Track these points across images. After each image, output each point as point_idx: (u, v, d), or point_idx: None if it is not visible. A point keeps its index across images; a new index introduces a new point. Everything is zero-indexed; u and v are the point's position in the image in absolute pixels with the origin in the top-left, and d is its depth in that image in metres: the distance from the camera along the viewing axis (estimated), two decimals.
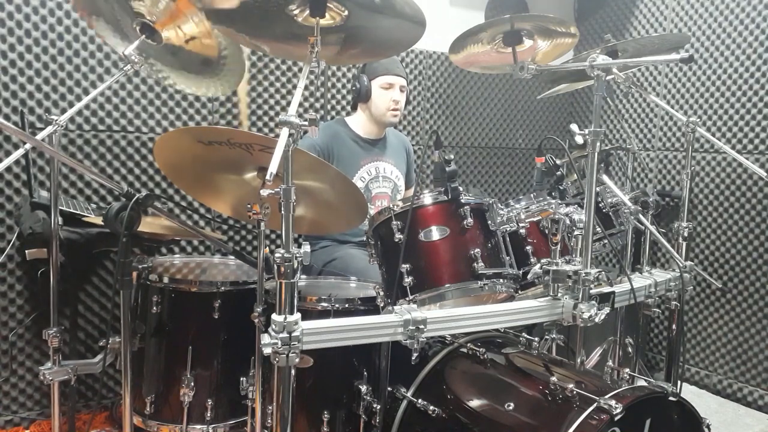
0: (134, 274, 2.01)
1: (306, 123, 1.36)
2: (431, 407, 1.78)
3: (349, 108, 3.06)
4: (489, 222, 1.81)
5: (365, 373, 1.86)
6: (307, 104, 3.02)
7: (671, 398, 1.58)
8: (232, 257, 2.37)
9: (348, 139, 2.64)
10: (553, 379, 1.61)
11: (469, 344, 1.93)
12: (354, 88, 2.64)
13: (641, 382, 1.71)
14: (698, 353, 3.22)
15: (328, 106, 3.07)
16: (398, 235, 1.74)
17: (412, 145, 3.01)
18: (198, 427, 2.00)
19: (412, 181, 2.85)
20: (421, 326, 1.55)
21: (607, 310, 1.69)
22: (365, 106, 2.64)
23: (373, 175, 2.67)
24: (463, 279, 1.72)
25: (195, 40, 1.93)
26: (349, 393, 1.86)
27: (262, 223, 1.75)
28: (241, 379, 1.92)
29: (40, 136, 1.70)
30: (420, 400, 1.82)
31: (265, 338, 1.38)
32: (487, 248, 1.77)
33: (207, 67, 2.04)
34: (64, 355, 2.03)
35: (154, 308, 2.02)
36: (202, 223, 2.78)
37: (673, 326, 2.23)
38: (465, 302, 1.78)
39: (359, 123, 2.68)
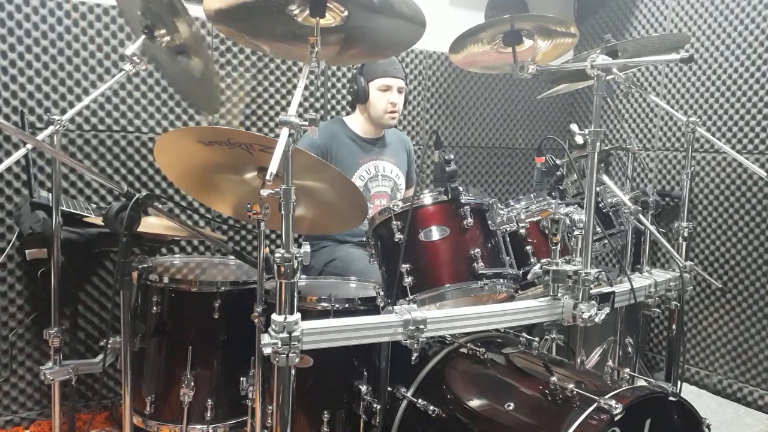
0: (134, 274, 2.01)
1: (306, 123, 1.36)
2: (431, 407, 1.78)
3: (348, 108, 3.06)
4: (489, 222, 1.81)
5: (365, 373, 1.86)
6: (307, 104, 3.02)
7: (671, 398, 1.58)
8: (232, 257, 2.37)
9: (346, 139, 2.64)
10: (553, 379, 1.61)
11: (469, 344, 1.93)
12: (351, 89, 2.63)
13: (641, 382, 1.71)
14: (698, 353, 3.22)
15: (328, 106, 3.07)
16: (398, 235, 1.74)
17: (412, 145, 3.00)
18: (198, 427, 2.00)
19: (412, 180, 2.85)
20: (421, 326, 1.55)
21: (607, 310, 1.69)
22: (363, 107, 2.64)
23: (372, 174, 2.67)
24: (463, 279, 1.72)
25: (182, 40, 1.89)
26: (349, 393, 1.86)
27: (262, 223, 1.75)
28: (241, 379, 1.92)
29: (41, 136, 1.70)
30: (420, 400, 1.82)
31: (265, 338, 1.38)
32: (487, 248, 1.77)
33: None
34: (64, 354, 2.03)
35: (154, 308, 2.02)
36: (202, 223, 2.78)
37: (673, 326, 2.23)
38: (465, 302, 1.77)
39: (358, 122, 2.68)
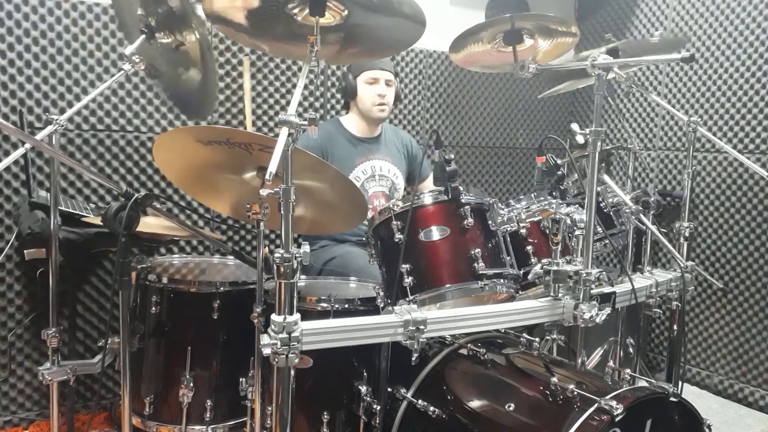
0: (133, 274, 2.01)
1: (305, 122, 1.35)
2: (431, 408, 1.77)
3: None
4: (489, 222, 1.81)
5: (365, 373, 1.85)
6: (306, 104, 3.01)
7: (672, 399, 1.57)
8: (232, 257, 2.36)
9: (342, 139, 2.63)
10: (554, 379, 1.61)
11: (469, 345, 1.92)
12: (340, 86, 2.64)
13: (642, 383, 1.71)
14: (699, 353, 3.21)
15: (328, 106, 3.06)
16: (398, 235, 1.73)
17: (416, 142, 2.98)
18: (197, 427, 1.99)
19: (426, 172, 2.73)
20: (421, 327, 1.54)
21: (608, 310, 1.69)
22: (354, 103, 2.64)
23: (369, 174, 2.66)
24: (463, 279, 1.72)
25: (185, 47, 1.88)
26: (349, 394, 1.85)
27: (262, 223, 1.74)
28: (241, 379, 1.91)
29: (39, 135, 1.70)
30: (420, 401, 1.81)
31: (265, 339, 1.37)
32: (488, 248, 1.77)
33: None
34: (63, 355, 2.02)
35: (153, 308, 2.02)
36: (201, 223, 2.77)
37: (674, 326, 2.23)
38: (465, 302, 1.77)
39: (353, 122, 2.68)
